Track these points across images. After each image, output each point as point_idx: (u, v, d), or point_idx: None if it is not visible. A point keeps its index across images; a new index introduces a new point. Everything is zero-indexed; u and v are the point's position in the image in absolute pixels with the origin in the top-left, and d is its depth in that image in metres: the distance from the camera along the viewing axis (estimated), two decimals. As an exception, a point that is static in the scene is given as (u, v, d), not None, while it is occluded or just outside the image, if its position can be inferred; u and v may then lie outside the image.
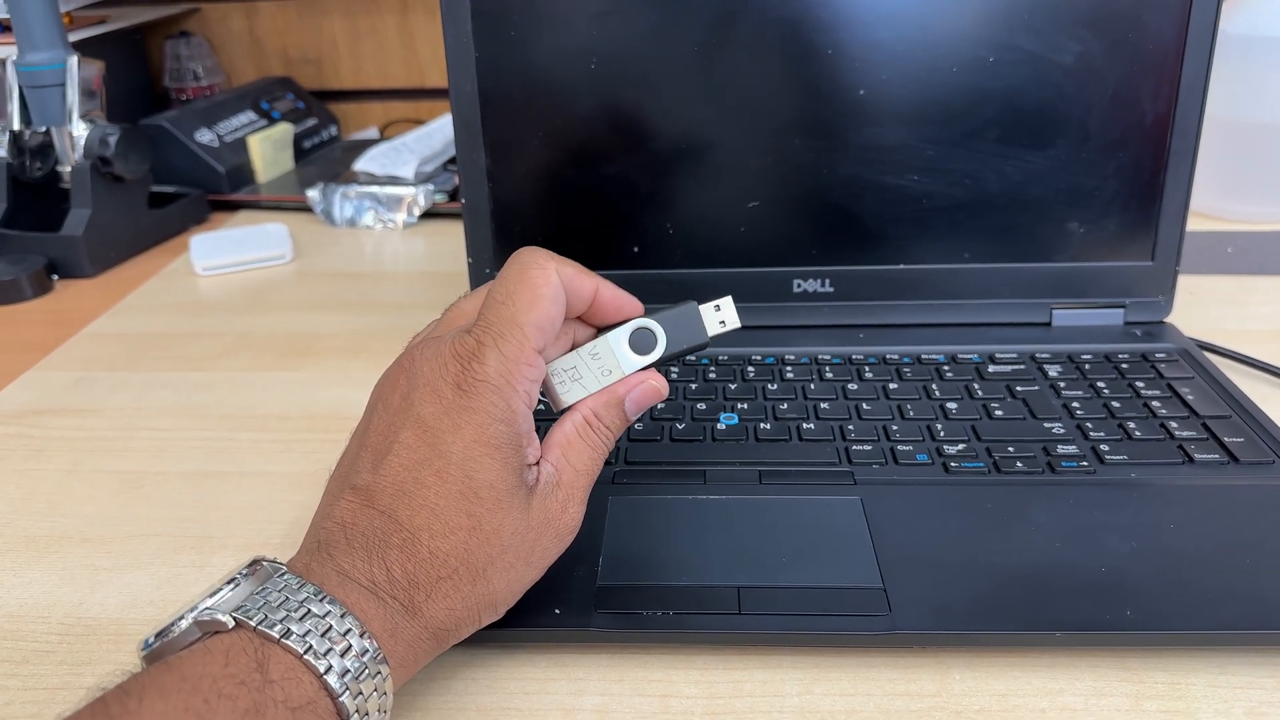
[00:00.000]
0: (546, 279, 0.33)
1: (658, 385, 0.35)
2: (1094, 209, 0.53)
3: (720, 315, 0.36)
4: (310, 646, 0.27)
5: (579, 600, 0.35)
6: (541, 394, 0.34)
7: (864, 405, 0.47)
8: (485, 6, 0.51)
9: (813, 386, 0.49)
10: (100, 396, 0.55)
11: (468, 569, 0.31)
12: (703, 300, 0.36)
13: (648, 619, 0.35)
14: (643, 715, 0.33)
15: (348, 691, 0.27)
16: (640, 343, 0.35)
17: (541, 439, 0.34)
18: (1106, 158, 0.52)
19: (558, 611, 0.35)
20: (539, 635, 0.35)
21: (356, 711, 0.28)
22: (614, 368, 0.35)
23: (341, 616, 0.28)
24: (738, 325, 0.36)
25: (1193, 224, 0.72)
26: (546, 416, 0.35)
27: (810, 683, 0.34)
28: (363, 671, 0.28)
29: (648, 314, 0.35)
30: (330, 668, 0.27)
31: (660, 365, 0.35)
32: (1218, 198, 0.74)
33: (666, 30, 0.51)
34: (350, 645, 0.28)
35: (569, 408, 0.35)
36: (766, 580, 0.36)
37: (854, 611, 0.34)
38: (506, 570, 0.32)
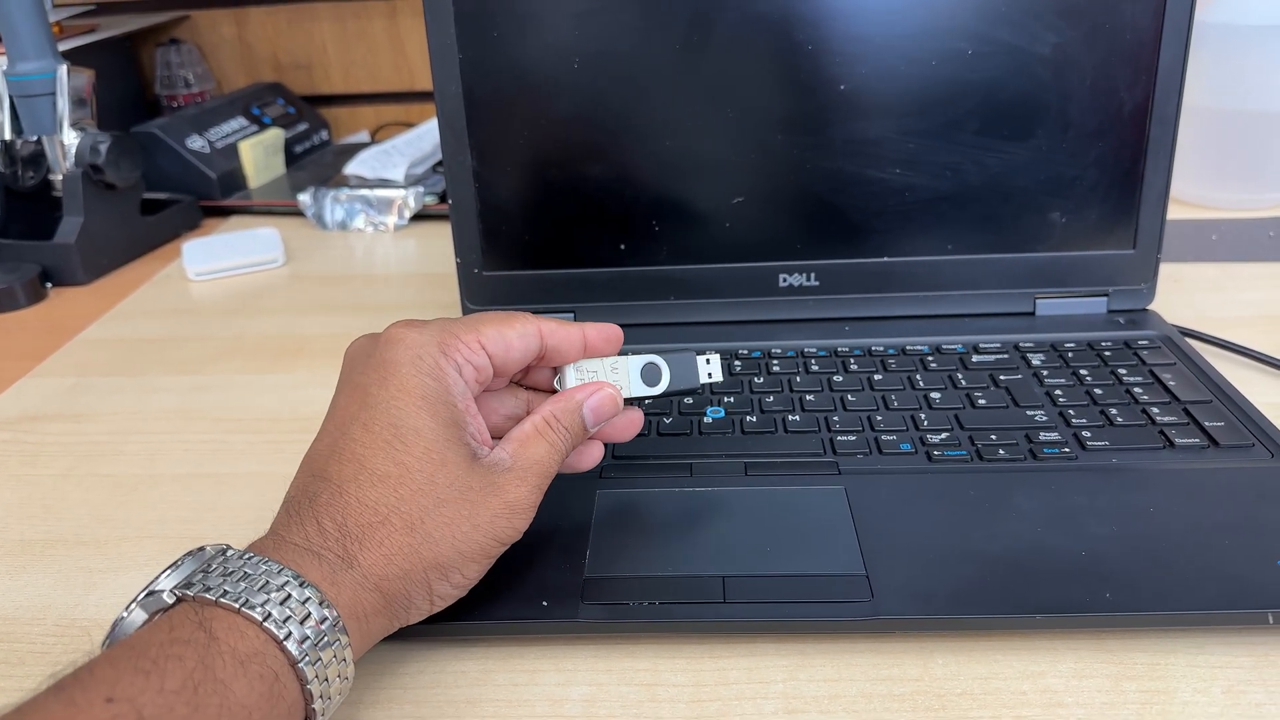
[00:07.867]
0: (525, 321, 0.37)
1: (613, 394, 0.38)
2: (1075, 198, 0.53)
3: (709, 368, 0.40)
4: (246, 600, 0.28)
5: (566, 592, 0.36)
6: (556, 384, 0.38)
7: (849, 397, 0.48)
8: (468, 8, 0.51)
9: (798, 379, 0.50)
10: (94, 402, 0.56)
11: (400, 517, 0.32)
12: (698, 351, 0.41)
13: (634, 609, 0.35)
14: (630, 704, 0.33)
15: (292, 637, 0.28)
16: (648, 375, 0.39)
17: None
18: (1086, 147, 0.52)
19: (545, 603, 0.35)
20: (527, 627, 0.35)
21: (300, 642, 0.28)
22: (624, 385, 0.39)
23: (278, 572, 0.29)
24: (720, 380, 0.40)
25: (1177, 212, 0.73)
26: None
27: (795, 669, 0.34)
28: (306, 617, 0.29)
29: (657, 353, 0.40)
30: (270, 615, 0.28)
31: (658, 398, 0.39)
32: (1202, 186, 0.75)
33: (648, 29, 0.51)
34: (289, 595, 0.29)
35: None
36: (751, 570, 0.36)
37: (837, 599, 0.35)
38: (447, 525, 0.32)
